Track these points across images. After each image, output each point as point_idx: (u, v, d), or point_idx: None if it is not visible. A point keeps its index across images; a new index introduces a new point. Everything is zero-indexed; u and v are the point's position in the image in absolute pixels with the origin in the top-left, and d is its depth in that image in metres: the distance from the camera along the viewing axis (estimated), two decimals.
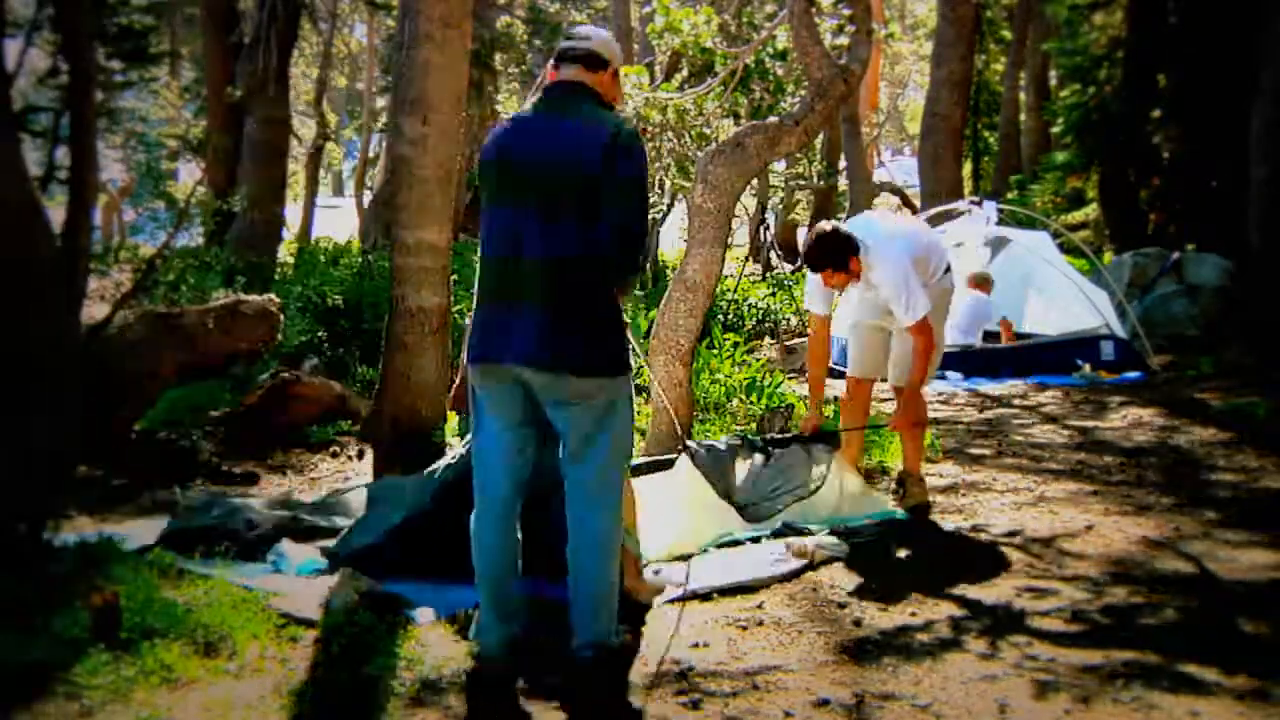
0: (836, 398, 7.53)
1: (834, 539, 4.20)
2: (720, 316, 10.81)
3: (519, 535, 3.05)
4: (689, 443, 4.46)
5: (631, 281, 3.12)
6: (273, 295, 6.63)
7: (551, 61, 3.10)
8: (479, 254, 3.07)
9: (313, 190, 20.16)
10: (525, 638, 3.02)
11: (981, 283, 9.40)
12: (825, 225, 4.57)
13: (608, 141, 2.86)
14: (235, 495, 5.15)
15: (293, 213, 17.58)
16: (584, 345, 2.88)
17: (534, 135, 2.98)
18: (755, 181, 12.94)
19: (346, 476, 5.63)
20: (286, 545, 4.07)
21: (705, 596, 3.63)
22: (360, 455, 5.92)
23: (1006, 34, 20.94)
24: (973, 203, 10.14)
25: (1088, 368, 8.45)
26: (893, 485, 4.89)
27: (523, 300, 2.89)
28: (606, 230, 2.87)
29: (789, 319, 11.52)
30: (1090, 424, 6.70)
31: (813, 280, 4.73)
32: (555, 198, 2.89)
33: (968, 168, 20.38)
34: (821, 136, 17.11)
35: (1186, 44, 11.75)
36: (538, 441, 3.06)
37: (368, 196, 19.05)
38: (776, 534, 4.26)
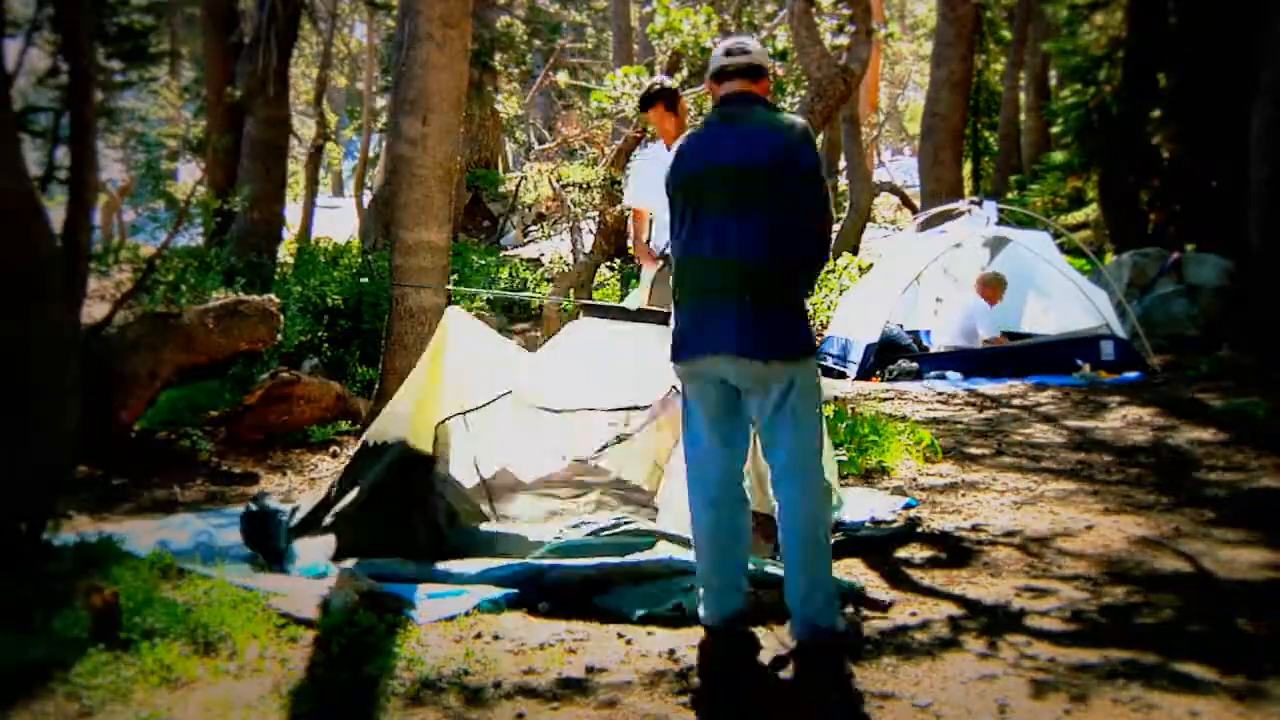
0: (836, 397, 7.56)
1: None
2: None
3: (743, 518, 3.31)
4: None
5: (819, 269, 3.37)
6: (273, 295, 6.63)
7: (710, 78, 3.40)
8: (674, 255, 3.31)
9: (313, 190, 20.15)
10: (745, 612, 3.25)
11: (989, 285, 9.36)
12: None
13: (787, 139, 3.17)
14: (235, 495, 5.16)
15: (293, 213, 17.57)
16: (773, 333, 3.14)
17: (721, 143, 3.24)
18: None
19: None
20: (299, 545, 4.04)
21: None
22: None
23: (1006, 34, 20.94)
24: (973, 203, 10.14)
25: (1087, 368, 8.45)
26: None
27: (722, 297, 3.15)
28: (795, 226, 3.16)
29: None
30: (1089, 424, 6.70)
31: (648, 175, 5.15)
32: (748, 199, 3.16)
33: (968, 168, 20.37)
34: (821, 136, 17.10)
35: (1186, 44, 11.75)
36: (744, 431, 3.32)
37: (368, 196, 19.05)
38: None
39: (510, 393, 4.57)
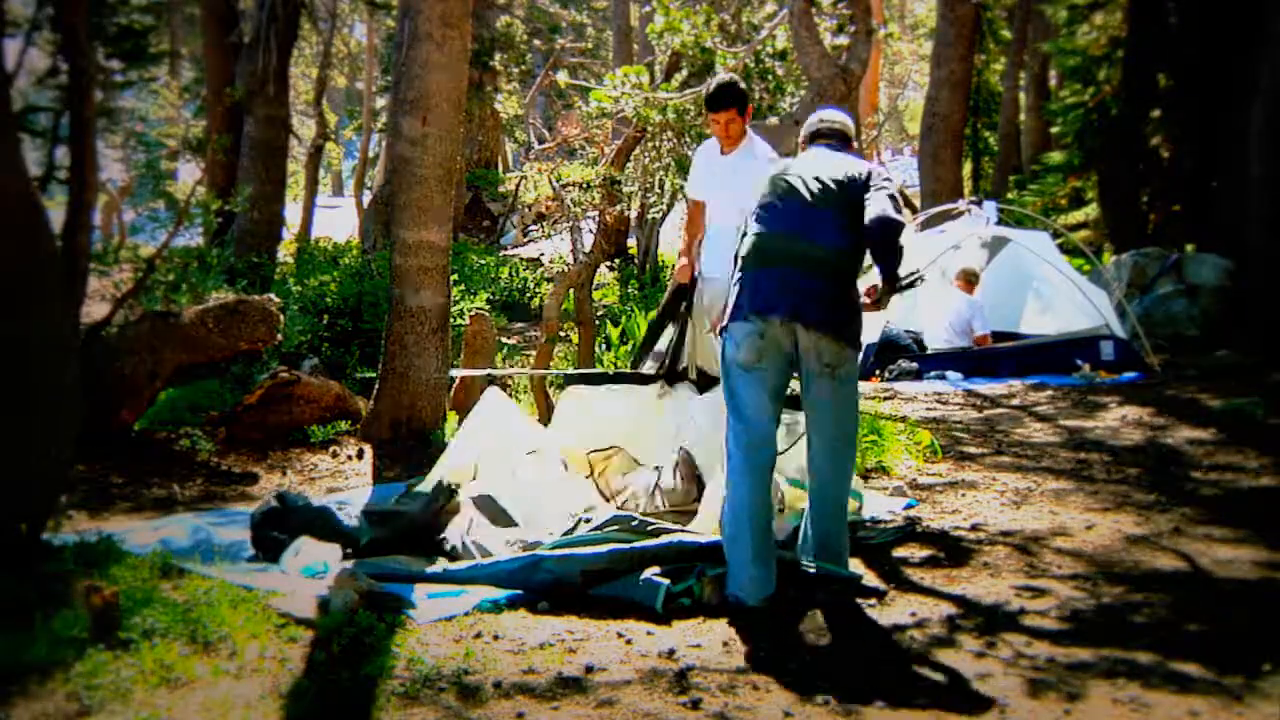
0: None
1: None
2: None
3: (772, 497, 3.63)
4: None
5: (895, 267, 3.63)
6: (273, 295, 6.64)
7: (805, 139, 4.00)
8: (754, 231, 3.70)
9: (313, 190, 20.14)
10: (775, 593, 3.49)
11: (970, 280, 9.35)
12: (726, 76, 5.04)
13: (866, 169, 3.74)
14: (235, 495, 5.16)
15: (293, 213, 17.57)
16: (848, 317, 3.59)
17: (816, 161, 3.80)
18: None
19: (346, 476, 5.64)
20: (305, 544, 4.04)
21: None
22: (359, 455, 5.93)
23: (1006, 34, 20.92)
24: (972, 203, 10.14)
25: (1087, 368, 8.46)
26: None
27: (811, 273, 3.56)
28: (866, 228, 3.56)
29: None
30: (1088, 424, 6.71)
31: (699, 168, 5.10)
32: (837, 202, 3.63)
33: (968, 168, 20.35)
34: None
35: (1186, 44, 11.76)
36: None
37: (368, 196, 19.06)
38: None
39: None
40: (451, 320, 6.09)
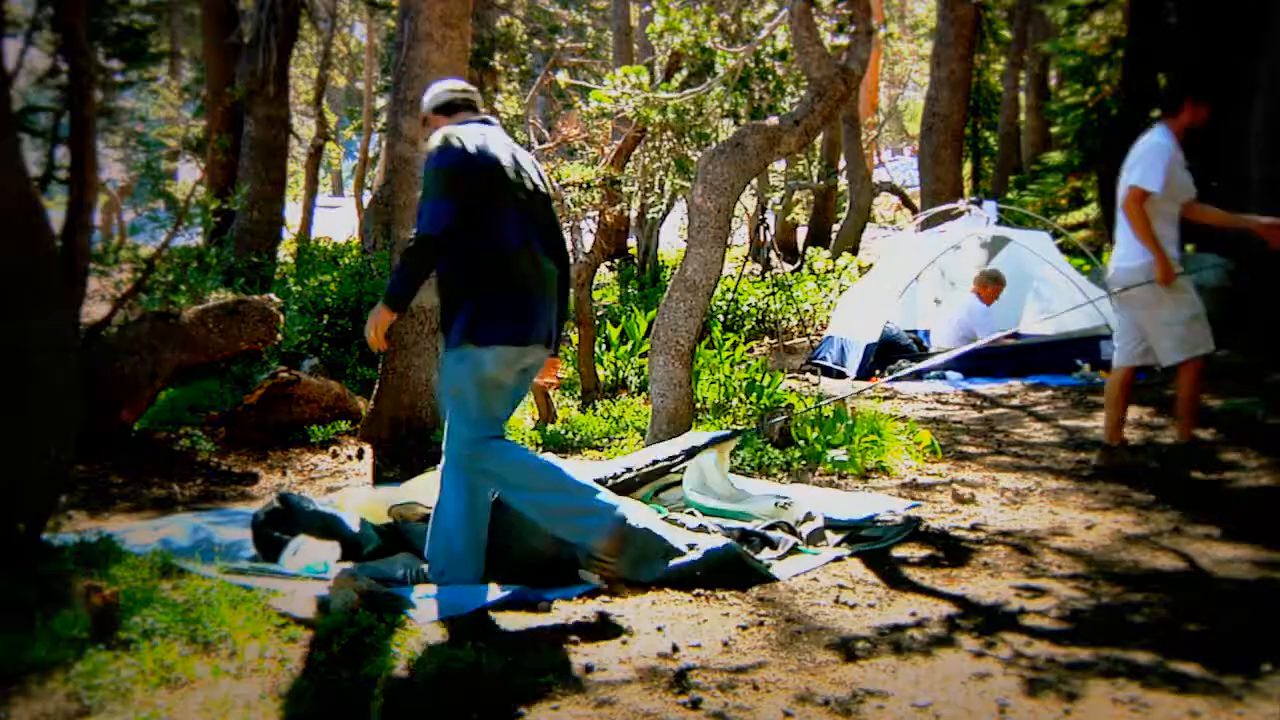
0: (837, 398, 7.56)
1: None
2: (720, 316, 10.82)
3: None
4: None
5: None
6: (273, 295, 6.64)
7: (438, 112, 3.78)
8: (485, 246, 3.57)
9: (313, 190, 20.15)
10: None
11: (987, 284, 9.35)
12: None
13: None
14: (235, 494, 5.17)
15: (293, 212, 17.58)
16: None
17: (503, 147, 3.63)
18: (755, 181, 12.95)
19: (345, 476, 5.64)
20: (304, 543, 4.04)
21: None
22: (359, 455, 5.93)
23: (1006, 34, 20.94)
24: (972, 203, 10.15)
25: (1087, 368, 8.46)
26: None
27: (544, 288, 3.63)
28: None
29: (788, 319, 11.51)
30: (1087, 423, 6.71)
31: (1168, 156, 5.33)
32: (536, 200, 3.66)
33: (968, 168, 20.38)
34: (821, 136, 17.09)
35: (1186, 44, 11.75)
36: None
37: (368, 196, 19.05)
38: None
39: None
40: None
